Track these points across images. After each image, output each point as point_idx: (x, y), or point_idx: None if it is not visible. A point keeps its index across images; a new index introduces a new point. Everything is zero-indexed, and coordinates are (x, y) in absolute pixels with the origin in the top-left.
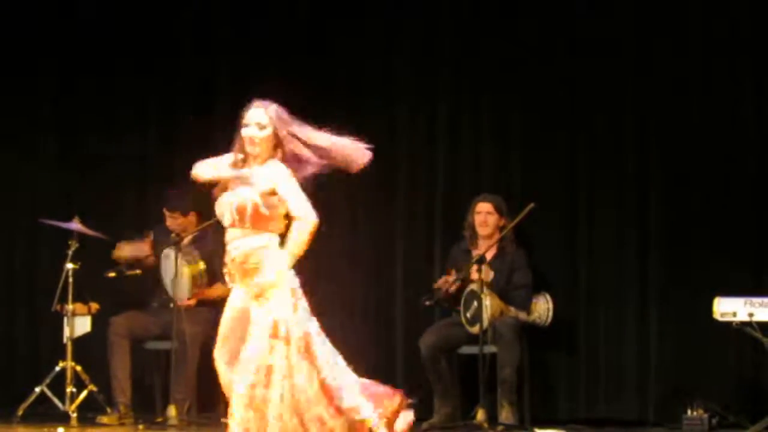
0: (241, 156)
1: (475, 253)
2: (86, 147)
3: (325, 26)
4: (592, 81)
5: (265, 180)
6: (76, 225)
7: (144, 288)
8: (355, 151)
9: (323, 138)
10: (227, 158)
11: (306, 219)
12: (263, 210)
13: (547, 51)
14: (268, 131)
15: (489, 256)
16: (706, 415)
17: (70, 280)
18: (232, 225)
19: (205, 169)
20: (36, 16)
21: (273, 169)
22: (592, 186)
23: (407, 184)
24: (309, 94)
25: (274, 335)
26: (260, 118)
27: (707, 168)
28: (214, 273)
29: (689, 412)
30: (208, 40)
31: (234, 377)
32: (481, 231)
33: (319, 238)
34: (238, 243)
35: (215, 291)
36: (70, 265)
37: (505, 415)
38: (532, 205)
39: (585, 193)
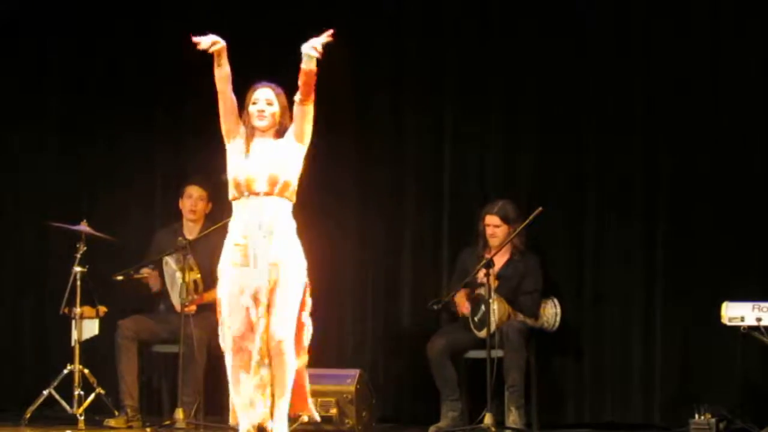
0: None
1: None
2: (93, 148)
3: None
4: (599, 82)
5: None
6: (84, 227)
7: (151, 291)
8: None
9: None
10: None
11: None
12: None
13: (551, 51)
14: (276, 107)
15: (500, 262)
16: (713, 420)
17: (78, 283)
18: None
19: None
20: (43, 15)
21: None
22: (600, 190)
23: (414, 187)
24: (316, 98)
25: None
26: (268, 95)
27: (716, 172)
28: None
29: (696, 416)
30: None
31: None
32: (492, 242)
33: (328, 241)
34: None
35: (213, 295)
36: (78, 268)
37: (513, 419)
38: (540, 209)
39: (592, 198)
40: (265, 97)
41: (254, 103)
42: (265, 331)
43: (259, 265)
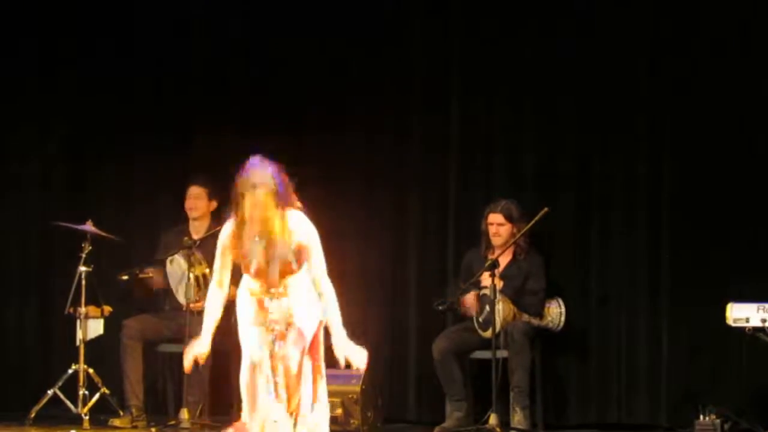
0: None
1: (490, 258)
2: (98, 148)
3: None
4: (603, 83)
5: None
6: (89, 227)
7: (156, 291)
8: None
9: None
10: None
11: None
12: (294, 267)
13: (556, 52)
14: (263, 190)
15: (503, 262)
16: (718, 421)
17: (83, 282)
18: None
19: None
20: (56, 15)
21: (300, 222)
22: (605, 191)
23: (420, 187)
24: (323, 105)
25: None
26: (261, 178)
27: (720, 171)
28: None
29: (701, 417)
30: (223, 38)
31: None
32: (495, 241)
33: (332, 242)
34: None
35: None
36: (83, 268)
37: (518, 419)
38: (545, 209)
39: (598, 198)
40: (260, 182)
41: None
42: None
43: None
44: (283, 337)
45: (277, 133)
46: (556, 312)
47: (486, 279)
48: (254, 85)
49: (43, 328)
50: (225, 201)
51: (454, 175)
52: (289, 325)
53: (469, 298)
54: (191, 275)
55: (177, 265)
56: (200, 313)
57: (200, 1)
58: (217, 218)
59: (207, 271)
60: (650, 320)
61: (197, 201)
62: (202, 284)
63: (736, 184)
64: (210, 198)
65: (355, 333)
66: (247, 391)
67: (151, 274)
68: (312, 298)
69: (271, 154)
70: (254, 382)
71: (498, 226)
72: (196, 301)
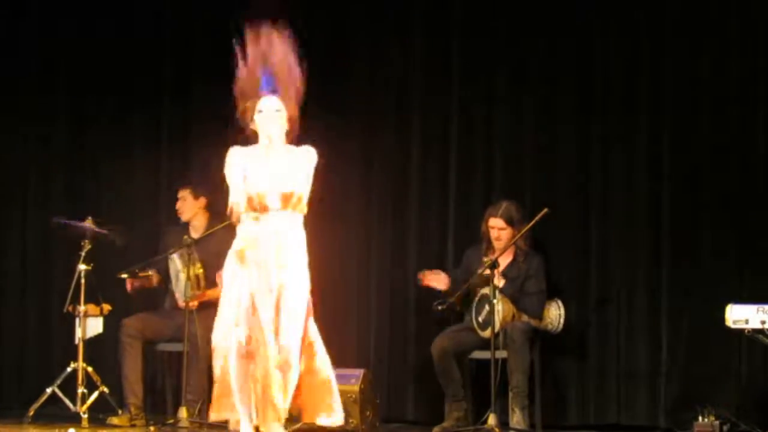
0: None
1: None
2: (99, 145)
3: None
4: (604, 81)
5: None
6: (89, 225)
7: (156, 290)
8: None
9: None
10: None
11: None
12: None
13: (556, 51)
14: (284, 114)
15: (503, 263)
16: (717, 422)
17: (83, 281)
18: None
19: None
20: (50, 13)
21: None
22: (604, 191)
23: (420, 186)
24: (324, 99)
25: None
26: (276, 104)
27: (721, 172)
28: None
29: (700, 418)
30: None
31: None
32: (496, 245)
33: (333, 241)
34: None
35: (216, 293)
36: (82, 266)
37: (516, 420)
38: (545, 210)
39: (597, 199)
40: (272, 107)
41: (260, 112)
42: (275, 341)
43: (263, 270)
44: None
45: None
46: (555, 314)
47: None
48: None
49: (42, 326)
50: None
51: (454, 174)
52: None
53: (438, 276)
54: (188, 274)
55: (176, 264)
56: (197, 311)
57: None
58: (218, 217)
59: (201, 272)
60: (649, 321)
61: (182, 203)
62: (195, 284)
63: (739, 186)
64: (196, 196)
65: (356, 332)
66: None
67: (151, 273)
68: None
69: None
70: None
71: (499, 230)
72: (193, 299)
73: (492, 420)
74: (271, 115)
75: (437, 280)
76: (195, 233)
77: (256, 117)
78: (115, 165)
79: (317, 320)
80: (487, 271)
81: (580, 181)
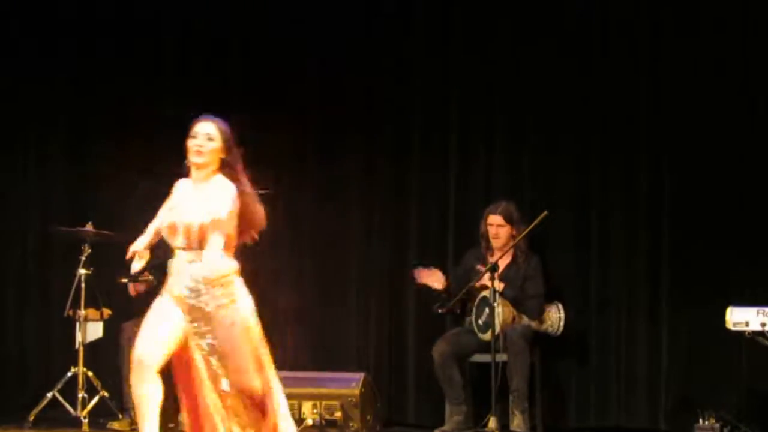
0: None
1: (489, 260)
2: (97, 151)
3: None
4: (604, 85)
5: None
6: (89, 230)
7: (157, 291)
8: (258, 213)
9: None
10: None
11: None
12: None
13: (556, 55)
14: (216, 144)
15: (502, 264)
16: (717, 425)
17: (83, 285)
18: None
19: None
20: (52, 23)
21: (225, 188)
22: (605, 194)
23: (420, 188)
24: (322, 106)
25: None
26: (210, 130)
27: (721, 175)
28: None
29: (701, 421)
30: (217, 46)
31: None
32: (494, 243)
33: (332, 243)
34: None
35: None
36: (82, 271)
37: (517, 422)
38: (545, 213)
39: (597, 202)
40: (205, 132)
41: (193, 137)
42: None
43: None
44: None
45: (278, 132)
46: (555, 317)
47: (486, 281)
48: (254, 86)
49: (42, 330)
50: None
51: (453, 175)
52: None
53: (434, 274)
54: None
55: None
56: None
57: (200, 2)
58: None
59: None
60: (649, 324)
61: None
62: None
63: (738, 189)
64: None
65: (356, 336)
66: None
67: (151, 278)
68: None
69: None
70: None
71: (498, 227)
72: None
73: (492, 423)
74: (200, 143)
75: (433, 279)
76: None
77: (190, 141)
78: (116, 166)
79: (317, 322)
80: (486, 276)
81: (580, 183)
